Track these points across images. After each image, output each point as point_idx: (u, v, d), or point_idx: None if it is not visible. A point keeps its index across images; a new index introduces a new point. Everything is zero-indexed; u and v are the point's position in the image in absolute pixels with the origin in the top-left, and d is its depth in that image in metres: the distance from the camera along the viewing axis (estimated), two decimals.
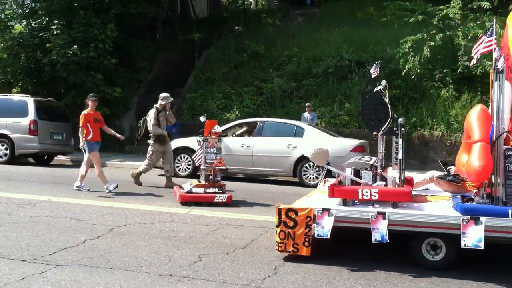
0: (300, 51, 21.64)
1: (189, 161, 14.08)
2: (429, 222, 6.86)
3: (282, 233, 7.03)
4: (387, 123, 7.79)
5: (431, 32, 17.20)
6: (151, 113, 12.32)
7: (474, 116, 7.35)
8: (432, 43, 16.87)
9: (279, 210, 7.04)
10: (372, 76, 8.14)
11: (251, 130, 14.64)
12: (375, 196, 7.20)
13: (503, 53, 7.90)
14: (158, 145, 12.27)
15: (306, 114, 16.82)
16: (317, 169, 13.20)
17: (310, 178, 13.43)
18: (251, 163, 13.88)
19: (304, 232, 6.99)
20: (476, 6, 17.37)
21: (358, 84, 18.27)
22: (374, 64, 8.23)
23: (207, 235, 7.65)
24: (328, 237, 6.94)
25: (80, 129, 10.99)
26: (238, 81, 21.38)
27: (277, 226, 7.08)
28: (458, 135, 16.46)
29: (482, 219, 6.60)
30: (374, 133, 7.83)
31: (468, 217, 6.65)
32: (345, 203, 7.34)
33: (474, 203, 7.10)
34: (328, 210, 7.02)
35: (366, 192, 7.23)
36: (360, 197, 7.23)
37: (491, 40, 7.36)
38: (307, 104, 17.22)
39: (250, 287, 5.59)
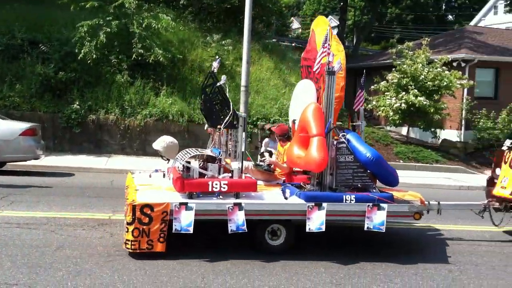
0: None
1: None
2: (280, 210, 7.40)
3: (136, 231, 6.73)
4: (228, 117, 7.82)
5: (107, 19, 17.55)
6: None
7: (310, 112, 7.74)
8: (108, 29, 17.25)
9: (133, 207, 6.72)
10: (215, 71, 8.08)
11: None
12: (224, 187, 7.27)
13: (311, 56, 8.73)
14: None
15: None
16: None
17: None
18: None
19: (159, 228, 6.81)
20: None
21: (31, 65, 17.46)
22: (218, 59, 8.21)
23: None
24: (191, 232, 6.86)
25: None
26: None
27: (129, 224, 6.74)
28: (132, 120, 17.30)
29: (324, 204, 7.25)
30: (218, 126, 7.81)
31: (313, 203, 7.25)
32: (190, 196, 7.22)
33: (306, 190, 7.66)
34: (186, 204, 6.93)
35: (216, 184, 7.22)
36: (210, 189, 7.23)
37: (326, 47, 7.75)
38: None
39: None
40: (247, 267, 6.89)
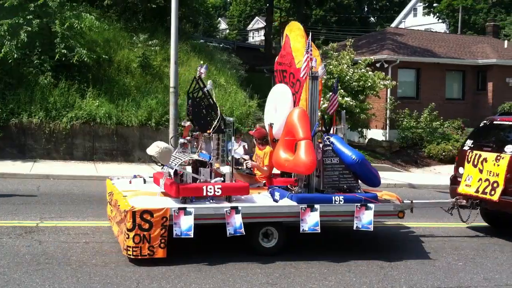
0: None
1: None
2: (274, 212, 7.59)
3: (137, 237, 6.71)
4: (216, 122, 7.84)
5: (28, 18, 16.87)
6: None
7: (295, 116, 7.95)
8: (29, 29, 16.60)
9: (133, 213, 6.68)
10: (202, 76, 8.07)
11: None
12: (218, 191, 7.35)
13: (286, 61, 8.98)
14: None
15: None
16: None
17: None
18: None
19: (160, 233, 6.82)
20: None
21: None
22: (205, 65, 8.19)
23: None
24: (191, 236, 6.89)
25: None
26: None
27: (130, 230, 6.70)
28: (57, 123, 16.70)
29: (317, 206, 7.44)
30: (209, 131, 7.83)
31: (305, 205, 7.40)
32: (184, 201, 7.27)
33: (294, 193, 7.81)
34: (184, 209, 6.98)
35: (211, 188, 7.31)
36: (204, 193, 7.29)
37: (309, 53, 7.96)
38: None
39: None
40: (183, 270, 6.81)
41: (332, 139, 8.18)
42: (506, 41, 32.38)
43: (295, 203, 7.60)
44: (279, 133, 8.86)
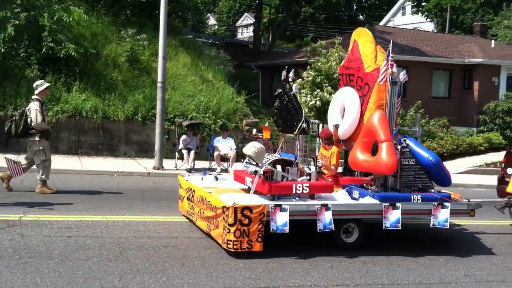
0: None
1: None
2: (358, 210, 8.09)
3: (237, 232, 7.13)
4: (301, 124, 8.42)
5: (16, 11, 16.72)
6: (34, 106, 10.66)
7: (376, 119, 8.40)
8: (17, 22, 16.45)
9: (235, 209, 7.10)
10: (290, 80, 8.82)
11: None
12: (306, 189, 7.80)
13: (354, 65, 9.57)
14: (45, 141, 10.93)
15: None
16: None
17: None
18: None
19: (257, 228, 7.24)
20: None
21: None
22: (292, 70, 8.85)
23: None
24: (287, 231, 7.36)
25: None
26: None
27: (231, 225, 7.13)
28: None
29: (398, 204, 7.86)
30: (295, 132, 8.43)
31: (388, 203, 7.97)
32: (273, 198, 7.71)
33: (370, 191, 8.29)
34: (280, 205, 7.41)
35: (299, 186, 7.74)
36: (294, 191, 7.74)
37: (391, 57, 8.51)
38: None
39: None
40: (166, 265, 6.82)
41: (408, 141, 8.63)
42: (493, 41, 32.62)
43: (377, 201, 8.07)
44: (346, 134, 9.69)
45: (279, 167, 7.91)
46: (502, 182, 10.93)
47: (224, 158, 15.72)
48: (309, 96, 21.14)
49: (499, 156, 22.68)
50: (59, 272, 6.29)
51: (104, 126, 17.15)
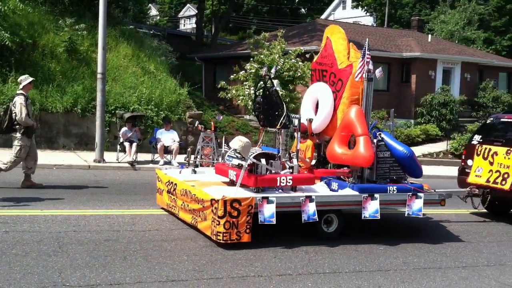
0: None
1: None
2: (339, 201, 8.44)
3: (227, 223, 7.36)
4: (282, 118, 8.74)
5: None
6: (19, 100, 10.59)
7: (353, 114, 8.78)
8: None
9: (225, 202, 7.32)
10: (272, 75, 9.14)
11: None
12: (289, 182, 8.10)
13: (328, 62, 9.85)
14: (26, 138, 10.75)
15: None
16: None
17: None
18: None
19: (246, 220, 7.49)
20: None
21: None
22: (274, 66, 9.11)
23: None
24: (274, 222, 7.64)
25: None
26: None
27: (221, 217, 7.34)
28: None
29: (377, 195, 8.40)
30: (278, 127, 8.75)
31: (366, 194, 8.37)
32: (257, 190, 7.95)
33: (348, 182, 8.65)
34: (267, 198, 7.69)
35: (283, 179, 8.03)
36: (278, 184, 8.02)
37: (366, 57, 8.87)
38: None
39: None
40: (108, 259, 6.71)
41: (382, 135, 8.97)
42: (429, 35, 33.63)
43: (356, 193, 8.45)
44: (319, 128, 9.95)
45: (263, 161, 8.07)
46: (463, 173, 11.59)
47: (167, 151, 15.58)
48: (252, 88, 21.17)
49: (436, 147, 23.54)
50: None
51: (42, 118, 16.64)
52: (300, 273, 6.81)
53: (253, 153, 8.08)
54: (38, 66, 17.85)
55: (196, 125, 11.99)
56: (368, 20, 53.84)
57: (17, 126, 10.68)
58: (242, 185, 7.95)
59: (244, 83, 21.86)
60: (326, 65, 10.19)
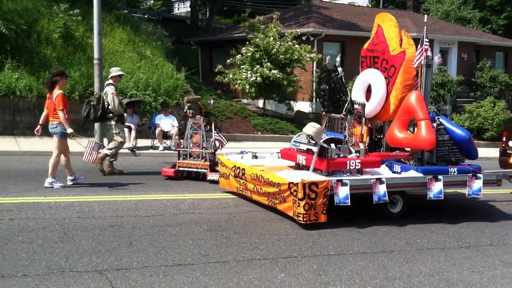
0: None
1: None
2: (406, 182, 8.78)
3: (306, 205, 7.77)
4: (347, 104, 9.32)
5: None
6: (110, 90, 11.16)
7: (413, 99, 9.13)
8: None
9: (304, 185, 7.71)
10: (337, 64, 9.74)
11: None
12: (358, 165, 8.57)
13: (379, 48, 10.15)
14: (120, 124, 11.43)
15: None
16: None
17: None
18: None
19: (322, 202, 7.89)
20: None
21: None
22: (338, 55, 9.03)
23: None
24: (348, 204, 8.04)
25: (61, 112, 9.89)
26: None
27: (301, 200, 7.76)
28: None
29: (440, 176, 8.70)
30: (344, 113, 9.29)
31: (431, 176, 8.68)
32: (327, 174, 8.40)
33: (409, 165, 9.19)
34: (341, 180, 8.09)
35: (353, 162, 8.51)
36: (348, 167, 8.49)
37: (426, 43, 9.45)
38: None
39: None
40: (113, 245, 6.74)
41: (441, 119, 9.30)
42: (425, 16, 33.37)
43: (421, 175, 8.83)
44: (372, 113, 10.19)
45: (333, 145, 8.46)
46: (505, 154, 12.06)
47: (166, 136, 15.57)
48: (249, 72, 21.13)
49: None
50: (3, 255, 6.10)
51: (40, 105, 16.55)
52: (305, 255, 6.85)
53: (323, 138, 8.44)
54: (34, 53, 17.74)
55: (185, 110, 12.04)
56: (363, 1, 53.54)
57: (111, 115, 11.25)
58: (307, 169, 8.38)
59: (241, 66, 21.79)
60: (377, 51, 10.47)
